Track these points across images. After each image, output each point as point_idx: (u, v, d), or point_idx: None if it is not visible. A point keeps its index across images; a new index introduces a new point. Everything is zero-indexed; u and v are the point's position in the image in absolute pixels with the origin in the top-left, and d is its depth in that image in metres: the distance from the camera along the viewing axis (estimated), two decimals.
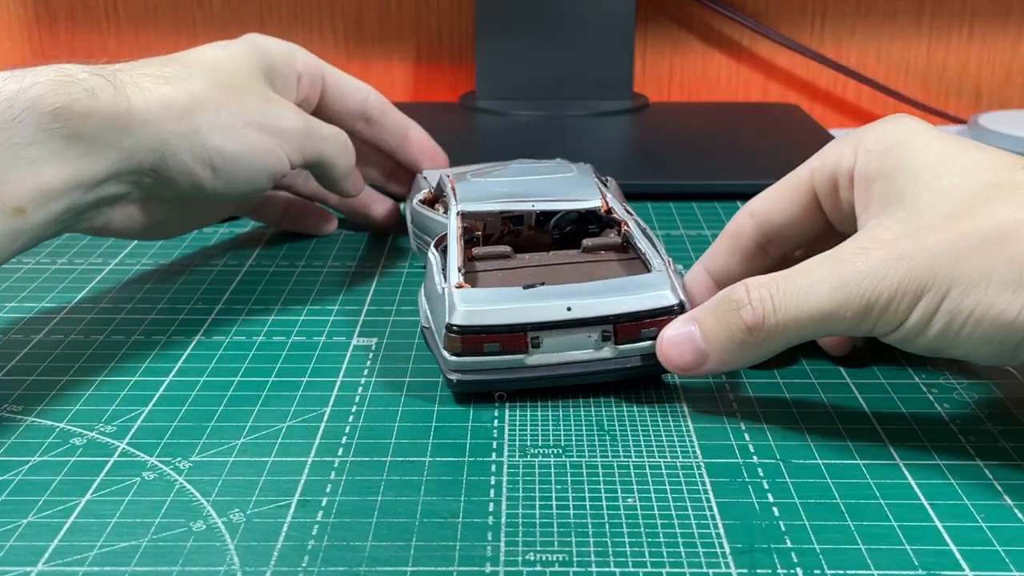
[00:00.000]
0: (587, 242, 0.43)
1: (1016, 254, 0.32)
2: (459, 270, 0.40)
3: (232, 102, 0.43)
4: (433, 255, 0.42)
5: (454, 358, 0.38)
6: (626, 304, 0.38)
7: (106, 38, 0.84)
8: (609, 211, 0.44)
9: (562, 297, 0.38)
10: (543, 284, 0.39)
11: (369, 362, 0.42)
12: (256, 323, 0.46)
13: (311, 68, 0.50)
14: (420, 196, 0.50)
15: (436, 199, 0.50)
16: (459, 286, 0.39)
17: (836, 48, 0.84)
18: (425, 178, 0.53)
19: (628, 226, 0.43)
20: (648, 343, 0.38)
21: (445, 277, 0.40)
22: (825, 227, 0.41)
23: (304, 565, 0.30)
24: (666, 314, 0.38)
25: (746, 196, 0.62)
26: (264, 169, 0.44)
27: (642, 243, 0.42)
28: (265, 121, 0.43)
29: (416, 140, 0.56)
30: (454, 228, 0.42)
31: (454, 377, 0.38)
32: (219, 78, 0.43)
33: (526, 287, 0.39)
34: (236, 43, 0.47)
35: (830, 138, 0.70)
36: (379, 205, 0.58)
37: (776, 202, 0.41)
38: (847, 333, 0.35)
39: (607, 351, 0.38)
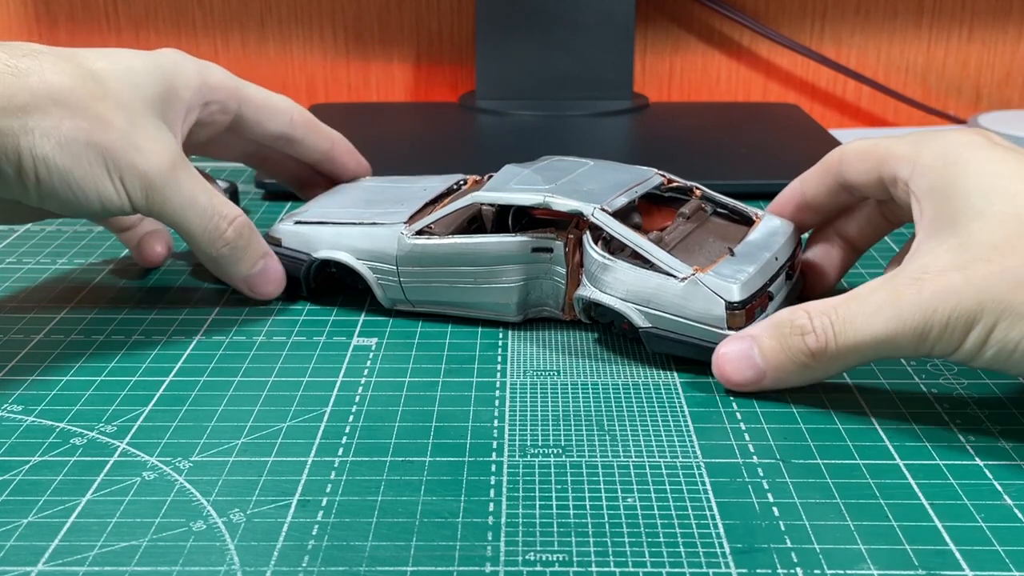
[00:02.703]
0: (684, 209, 0.46)
1: None
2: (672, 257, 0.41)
3: (84, 116, 0.39)
4: (607, 256, 0.41)
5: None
6: (791, 243, 0.44)
7: (106, 38, 0.84)
8: (671, 182, 0.47)
9: (761, 251, 0.42)
10: (730, 248, 0.42)
11: (369, 362, 0.42)
12: (256, 323, 0.46)
13: (221, 96, 0.47)
14: (408, 229, 0.45)
15: (423, 228, 0.45)
16: (699, 270, 0.40)
17: (836, 48, 0.84)
18: (306, 222, 0.47)
19: (703, 189, 0.47)
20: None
21: (663, 271, 0.40)
22: (891, 198, 0.42)
23: (304, 565, 0.30)
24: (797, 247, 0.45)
25: (746, 196, 0.62)
26: (96, 199, 0.40)
27: (726, 200, 0.47)
28: (114, 148, 0.40)
29: (341, 152, 0.53)
30: (619, 226, 0.41)
31: None
32: (87, 87, 0.40)
33: (731, 254, 0.42)
34: (140, 56, 0.43)
35: (830, 138, 0.70)
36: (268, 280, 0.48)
37: (856, 161, 0.43)
38: (905, 357, 0.37)
39: (787, 286, 0.44)
